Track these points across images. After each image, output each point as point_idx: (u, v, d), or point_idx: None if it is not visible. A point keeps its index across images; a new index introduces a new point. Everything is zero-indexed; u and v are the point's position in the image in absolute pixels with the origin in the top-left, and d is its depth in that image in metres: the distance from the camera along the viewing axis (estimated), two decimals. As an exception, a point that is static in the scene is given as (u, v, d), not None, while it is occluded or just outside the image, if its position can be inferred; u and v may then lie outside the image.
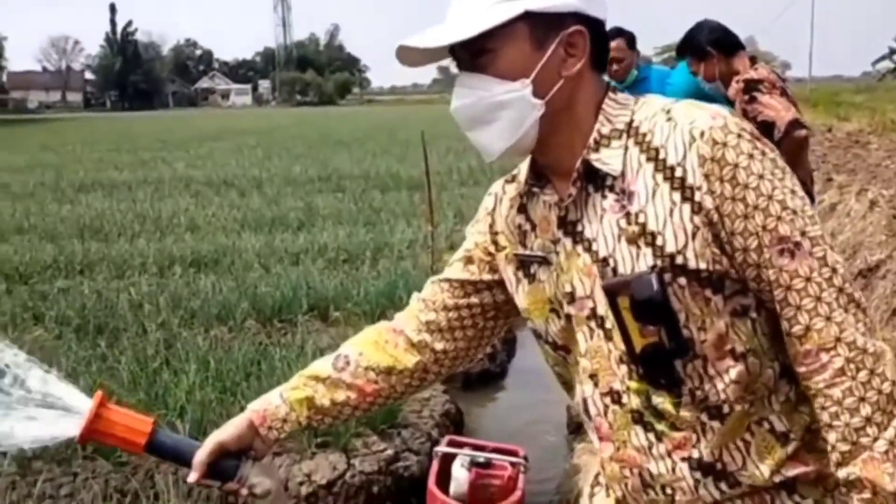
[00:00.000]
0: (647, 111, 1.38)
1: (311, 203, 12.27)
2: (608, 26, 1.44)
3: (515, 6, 1.32)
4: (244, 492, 1.54)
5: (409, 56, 1.42)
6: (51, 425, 1.52)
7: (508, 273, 1.55)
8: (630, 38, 5.03)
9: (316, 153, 22.32)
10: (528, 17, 1.33)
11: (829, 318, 1.28)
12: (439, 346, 1.64)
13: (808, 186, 3.88)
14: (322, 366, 1.66)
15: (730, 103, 4.12)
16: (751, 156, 1.29)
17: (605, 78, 1.45)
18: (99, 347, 5.54)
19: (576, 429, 5.06)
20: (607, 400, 1.43)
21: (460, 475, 3.96)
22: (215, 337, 5.83)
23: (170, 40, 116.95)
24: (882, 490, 1.25)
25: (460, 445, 4.21)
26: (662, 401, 1.36)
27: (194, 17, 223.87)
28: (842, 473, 1.29)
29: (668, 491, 1.40)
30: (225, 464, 1.53)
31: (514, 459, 4.18)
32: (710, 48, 4.17)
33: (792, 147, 3.76)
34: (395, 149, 22.91)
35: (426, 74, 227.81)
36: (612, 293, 1.34)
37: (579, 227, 1.40)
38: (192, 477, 1.54)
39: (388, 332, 1.67)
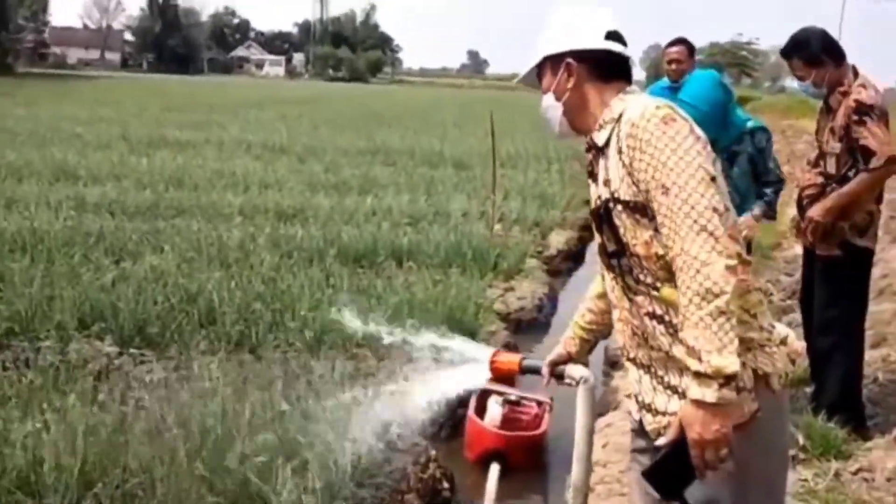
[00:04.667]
0: (634, 104, 2.12)
1: (367, 173, 13.39)
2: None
3: (540, 54, 2.28)
4: (570, 381, 2.53)
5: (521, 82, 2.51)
6: (471, 374, 2.62)
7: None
8: (690, 48, 5.96)
9: (359, 127, 23.41)
10: (548, 59, 2.27)
11: (679, 236, 1.95)
12: None
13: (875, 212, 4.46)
14: (584, 307, 2.57)
15: (827, 107, 4.54)
16: (652, 132, 2.01)
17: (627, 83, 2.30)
18: (217, 272, 6.70)
19: (612, 364, 6.23)
20: (612, 282, 2.24)
21: (494, 409, 5.04)
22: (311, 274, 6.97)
23: (209, 7, 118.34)
24: (687, 344, 1.94)
25: (489, 392, 5.22)
26: (629, 280, 2.16)
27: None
28: (680, 335, 1.99)
29: (644, 335, 2.17)
30: (558, 370, 2.58)
31: (541, 398, 5.26)
32: (824, 55, 4.43)
33: (882, 177, 4.33)
34: (433, 129, 23.96)
35: (456, 59, 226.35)
36: (592, 214, 2.25)
37: (596, 176, 2.22)
38: (545, 381, 2.62)
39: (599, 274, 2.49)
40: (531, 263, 8.81)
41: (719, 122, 4.78)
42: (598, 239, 2.27)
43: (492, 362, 2.64)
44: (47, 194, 9.81)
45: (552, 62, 2.26)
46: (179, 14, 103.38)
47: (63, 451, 3.46)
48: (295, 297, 6.02)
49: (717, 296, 1.90)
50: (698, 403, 1.93)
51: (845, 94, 4.39)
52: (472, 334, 5.81)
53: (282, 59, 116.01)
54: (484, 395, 5.19)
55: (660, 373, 2.16)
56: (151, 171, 12.31)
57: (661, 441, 2.04)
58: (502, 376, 2.68)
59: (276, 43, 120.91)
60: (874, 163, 4.22)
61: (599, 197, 2.19)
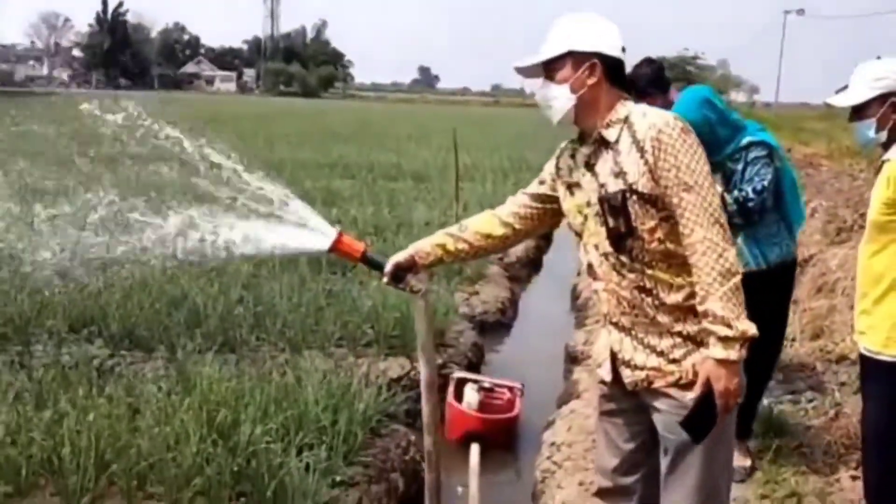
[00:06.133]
0: (637, 111, 2.51)
1: (328, 185, 13.69)
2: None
3: (564, 47, 2.53)
4: (407, 288, 2.90)
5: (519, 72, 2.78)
6: (309, 240, 2.88)
7: (561, 190, 2.71)
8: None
9: (316, 143, 23.72)
10: (571, 54, 2.53)
11: (701, 226, 2.36)
12: (518, 226, 2.85)
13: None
14: (451, 228, 2.92)
15: None
16: (676, 139, 2.40)
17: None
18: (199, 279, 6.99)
19: (572, 360, 6.66)
20: (602, 258, 2.58)
21: (471, 395, 5.55)
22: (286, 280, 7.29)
23: (159, 23, 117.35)
24: (715, 314, 2.34)
25: (465, 380, 5.79)
26: (625, 258, 2.52)
27: (184, 2, 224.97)
28: (700, 307, 2.39)
29: (631, 306, 2.55)
30: (399, 273, 2.89)
31: (513, 384, 5.82)
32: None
33: None
34: (389, 143, 24.32)
35: (407, 74, 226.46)
36: (602, 201, 2.53)
37: (594, 167, 2.56)
38: (384, 280, 2.93)
39: (491, 215, 2.88)
40: (493, 270, 9.26)
41: (703, 140, 5.21)
42: (584, 222, 2.61)
43: (337, 240, 2.90)
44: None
45: (575, 58, 2.54)
46: (129, 30, 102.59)
47: (79, 436, 3.78)
48: (274, 300, 6.36)
49: (733, 275, 2.35)
50: (723, 362, 2.35)
51: None
52: (441, 333, 6.23)
53: (232, 75, 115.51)
54: (460, 383, 5.64)
55: (640, 335, 2.56)
56: (118, 186, 12.45)
57: (690, 396, 2.44)
58: (341, 255, 2.96)
59: (227, 59, 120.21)
60: None
61: (604, 186, 2.52)
